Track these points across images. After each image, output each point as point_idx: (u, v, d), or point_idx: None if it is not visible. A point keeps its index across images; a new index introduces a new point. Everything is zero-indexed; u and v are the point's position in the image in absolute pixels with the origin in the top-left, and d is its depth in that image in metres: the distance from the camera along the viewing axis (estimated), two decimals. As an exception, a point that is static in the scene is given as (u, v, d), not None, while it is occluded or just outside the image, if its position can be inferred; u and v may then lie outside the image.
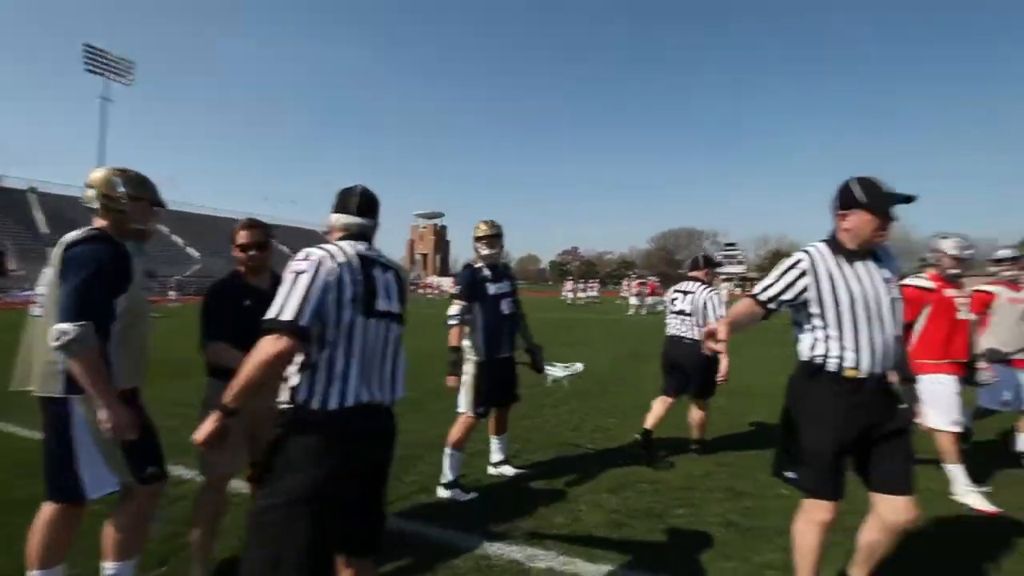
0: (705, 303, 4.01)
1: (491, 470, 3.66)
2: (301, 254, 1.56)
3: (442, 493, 3.28)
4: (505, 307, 3.46)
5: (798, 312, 2.10)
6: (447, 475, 3.29)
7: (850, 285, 1.97)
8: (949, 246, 3.41)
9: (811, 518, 2.03)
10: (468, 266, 3.54)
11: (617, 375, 7.47)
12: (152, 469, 1.98)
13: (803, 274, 2.03)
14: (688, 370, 4.03)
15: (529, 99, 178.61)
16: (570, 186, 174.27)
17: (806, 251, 2.07)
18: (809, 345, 2.06)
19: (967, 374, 3.44)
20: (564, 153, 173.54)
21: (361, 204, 1.76)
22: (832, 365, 1.98)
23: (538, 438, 4.44)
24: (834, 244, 2.04)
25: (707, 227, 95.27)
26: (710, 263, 4.36)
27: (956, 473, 3.31)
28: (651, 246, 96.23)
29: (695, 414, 4.16)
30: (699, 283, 4.17)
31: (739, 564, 2.53)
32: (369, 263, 1.65)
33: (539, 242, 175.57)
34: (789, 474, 2.08)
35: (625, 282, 34.92)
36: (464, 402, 3.39)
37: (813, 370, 2.04)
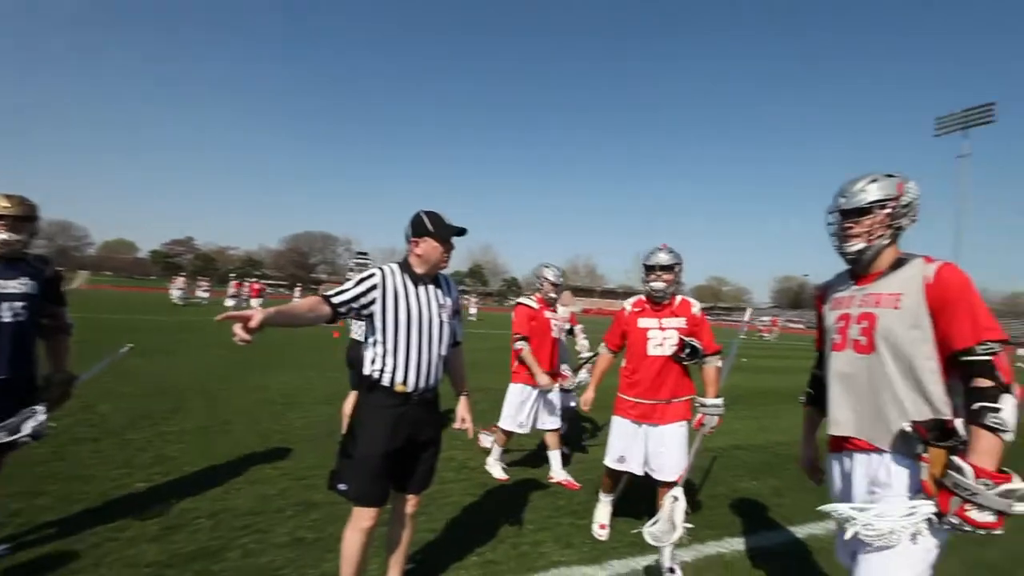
0: None
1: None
2: None
3: None
4: (7, 312, 2.41)
5: (366, 327, 2.19)
6: None
7: (410, 305, 2.15)
8: (550, 274, 4.14)
9: (357, 526, 2.10)
10: None
11: (205, 389, 6.43)
12: None
13: (374, 287, 2.12)
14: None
15: (146, 60, 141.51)
16: (191, 160, 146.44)
17: (380, 268, 2.18)
18: (370, 360, 2.16)
19: (557, 380, 4.19)
20: (186, 122, 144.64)
21: None
22: (386, 379, 2.12)
23: (53, 489, 3.23)
24: (405, 266, 2.22)
25: (342, 233, 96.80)
26: None
27: (496, 452, 4.16)
28: (282, 246, 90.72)
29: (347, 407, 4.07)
30: None
31: (296, 583, 2.44)
32: None
33: (140, 226, 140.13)
34: (341, 486, 2.12)
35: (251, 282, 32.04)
36: None
37: (371, 384, 2.14)
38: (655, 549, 2.73)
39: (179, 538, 2.77)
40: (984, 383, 1.46)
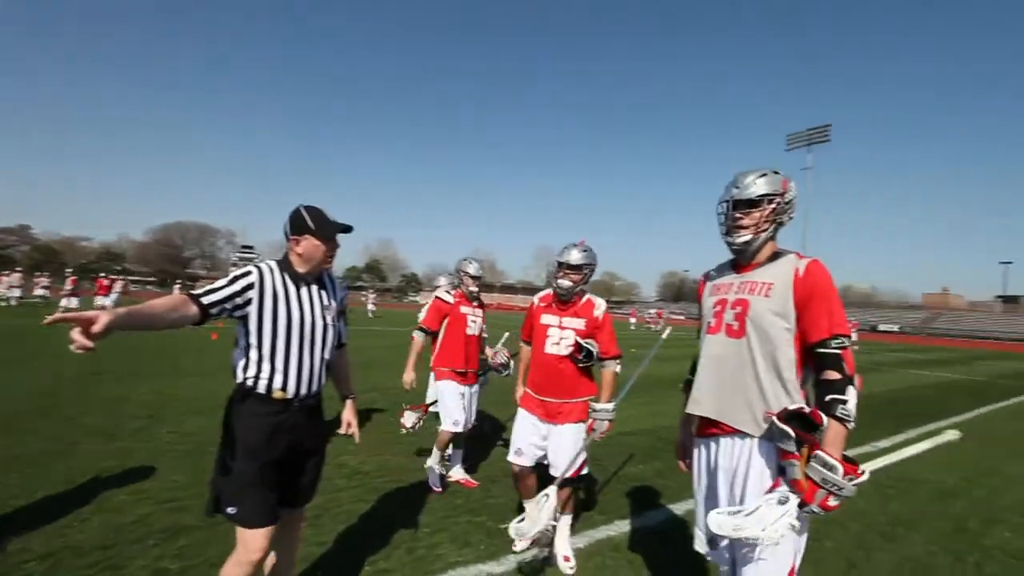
0: None
1: None
2: None
3: None
4: None
5: (238, 330, 1.97)
6: None
7: (291, 307, 1.98)
8: (471, 268, 3.95)
9: (244, 559, 1.88)
10: None
11: (46, 406, 5.47)
12: None
13: (250, 287, 1.91)
14: None
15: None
16: (26, 134, 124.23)
17: (257, 267, 1.98)
18: (243, 367, 1.95)
19: (475, 379, 3.99)
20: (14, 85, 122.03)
21: None
22: (262, 386, 1.94)
23: None
24: (285, 265, 2.03)
25: (223, 225, 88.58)
26: None
27: (435, 456, 3.87)
28: (149, 238, 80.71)
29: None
30: None
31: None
32: None
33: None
34: (229, 509, 1.89)
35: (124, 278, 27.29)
36: None
37: (244, 392, 1.94)
38: (551, 542, 2.81)
39: (2, 588, 2.33)
40: (833, 375, 1.61)
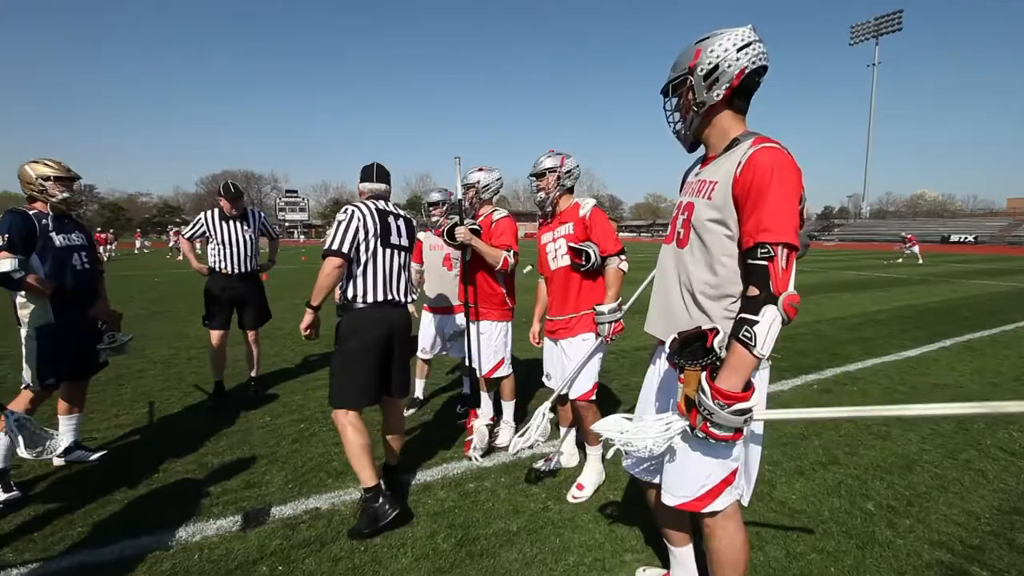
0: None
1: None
2: None
3: None
4: None
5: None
6: None
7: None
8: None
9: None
10: None
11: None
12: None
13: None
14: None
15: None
16: (80, 98, 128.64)
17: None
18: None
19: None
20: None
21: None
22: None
23: None
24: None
25: (267, 171, 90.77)
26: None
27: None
28: (201, 190, 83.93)
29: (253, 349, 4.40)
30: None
31: None
32: None
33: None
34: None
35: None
36: None
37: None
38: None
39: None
40: (752, 291, 1.33)
